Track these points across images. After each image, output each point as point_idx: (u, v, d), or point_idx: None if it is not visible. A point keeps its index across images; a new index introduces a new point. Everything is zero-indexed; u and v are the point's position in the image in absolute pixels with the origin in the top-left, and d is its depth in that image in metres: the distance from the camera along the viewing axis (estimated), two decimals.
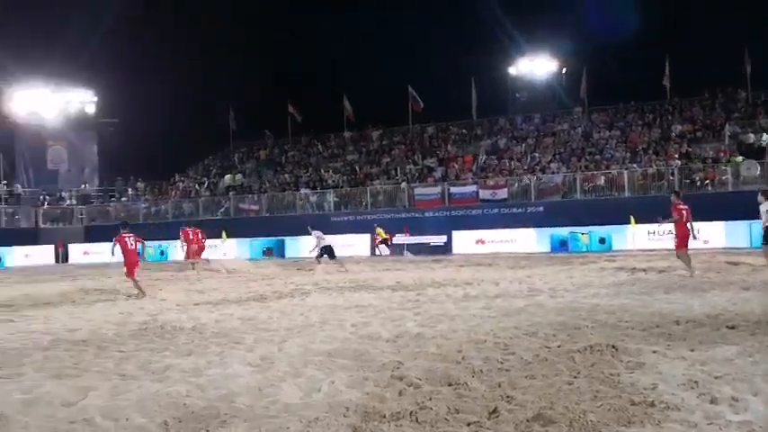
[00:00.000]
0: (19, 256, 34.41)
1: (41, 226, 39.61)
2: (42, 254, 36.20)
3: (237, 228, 34.42)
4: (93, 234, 39.00)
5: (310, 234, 23.43)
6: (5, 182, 41.30)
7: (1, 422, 5.21)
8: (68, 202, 43.58)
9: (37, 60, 43.77)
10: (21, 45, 43.14)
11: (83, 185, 45.97)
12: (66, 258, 36.48)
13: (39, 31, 44.82)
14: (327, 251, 22.40)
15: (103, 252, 35.38)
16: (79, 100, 47.22)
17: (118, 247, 16.06)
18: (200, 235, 24.64)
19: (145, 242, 18.11)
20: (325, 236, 22.95)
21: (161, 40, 49.73)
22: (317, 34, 51.95)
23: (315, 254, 22.56)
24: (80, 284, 19.57)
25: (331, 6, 54.14)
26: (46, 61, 44.08)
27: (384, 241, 31.06)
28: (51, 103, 45.93)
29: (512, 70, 43.94)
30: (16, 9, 45.04)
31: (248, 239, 33.84)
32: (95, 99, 47.81)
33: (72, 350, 8.35)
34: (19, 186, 43.34)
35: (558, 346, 7.38)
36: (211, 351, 7.97)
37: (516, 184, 32.19)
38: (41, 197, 42.99)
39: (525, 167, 34.13)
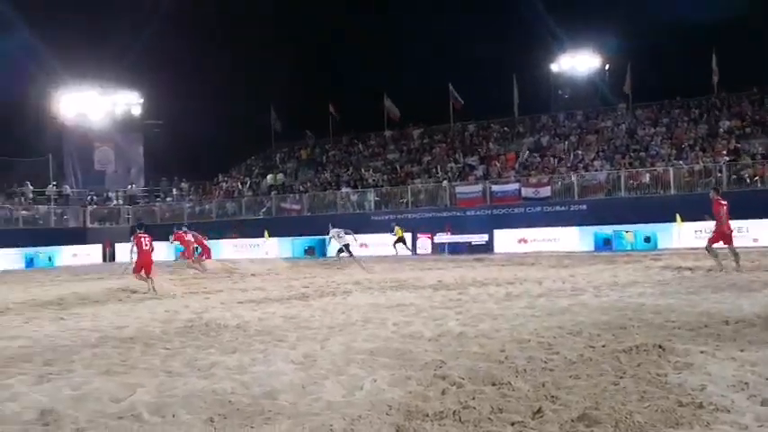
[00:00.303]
0: (67, 255, 35.22)
1: (89, 226, 40.49)
2: (90, 253, 37.01)
3: (279, 227, 34.74)
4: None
5: (329, 233, 23.93)
6: (55, 183, 42.30)
7: (52, 417, 5.35)
8: (115, 202, 44.48)
9: (85, 63, 44.86)
10: (69, 49, 44.12)
11: (129, 186, 46.87)
12: (113, 257, 37.22)
13: (86, 35, 45.71)
14: (346, 248, 23.18)
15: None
16: (125, 102, 48.17)
17: (135, 247, 16.75)
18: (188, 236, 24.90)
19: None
20: (344, 234, 23.44)
21: (204, 43, 50.52)
22: (358, 34, 52.01)
23: (341, 252, 23.43)
24: (126, 283, 19.95)
25: (372, 5, 54.25)
26: (93, 64, 45.16)
27: (400, 240, 30.94)
28: (98, 105, 46.95)
29: (554, 67, 43.46)
30: (64, 13, 46.10)
31: (290, 239, 34.11)
32: (141, 101, 48.74)
33: (120, 347, 8.53)
34: (68, 187, 44.37)
35: (603, 346, 7.29)
36: (255, 349, 8.06)
37: (559, 182, 31.81)
38: (89, 197, 43.96)
39: (568, 165, 33.74)
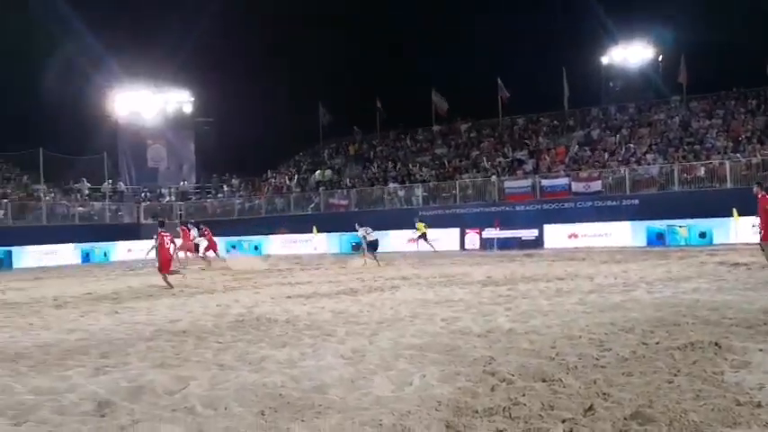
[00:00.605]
0: (122, 250, 36.00)
1: (143, 221, 41.37)
2: (143, 248, 37.71)
3: (327, 222, 34.94)
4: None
5: (356, 231, 24.13)
6: (110, 180, 43.33)
7: (109, 409, 5.49)
8: (168, 198, 45.36)
9: (138, 63, 45.88)
10: (123, 49, 45.20)
11: (181, 182, 47.73)
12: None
13: (139, 35, 46.76)
14: (372, 246, 23.37)
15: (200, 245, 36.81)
16: (177, 100, 49.10)
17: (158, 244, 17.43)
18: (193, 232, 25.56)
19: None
20: (372, 232, 23.66)
21: (253, 41, 51.07)
22: (405, 28, 51.99)
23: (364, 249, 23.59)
24: (179, 277, 20.34)
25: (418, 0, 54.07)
26: (146, 63, 46.16)
27: (423, 236, 30.78)
28: (151, 103, 47.96)
29: (605, 59, 42.72)
30: (119, 14, 47.19)
31: (338, 234, 34.28)
32: (192, 99, 49.64)
33: (173, 341, 8.70)
34: (122, 184, 45.41)
35: (657, 343, 7.15)
36: (305, 343, 8.14)
37: (610, 177, 31.25)
38: (143, 194, 44.93)
39: (620, 159, 33.11)
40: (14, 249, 30.93)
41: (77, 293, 16.22)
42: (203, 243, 25.71)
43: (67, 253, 33.04)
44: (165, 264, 17.50)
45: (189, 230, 26.02)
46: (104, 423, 5.14)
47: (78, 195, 41.30)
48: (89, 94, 46.97)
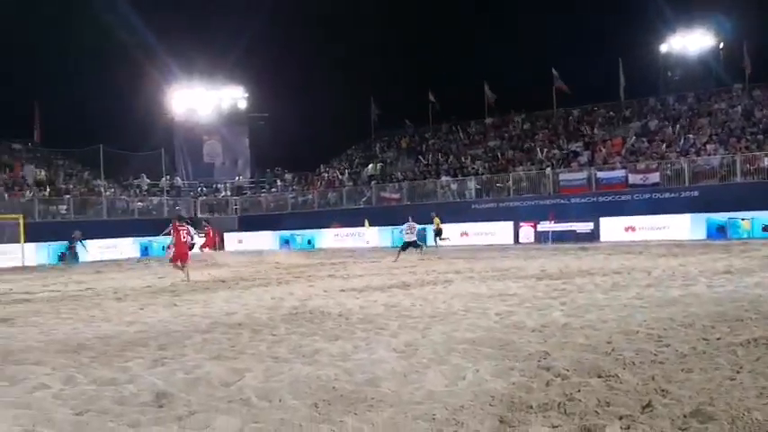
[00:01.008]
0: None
1: (199, 216, 42.17)
2: (200, 242, 38.48)
3: (379, 216, 35.01)
4: (246, 223, 41.13)
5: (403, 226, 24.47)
6: (167, 175, 44.26)
7: (167, 399, 5.60)
8: (223, 193, 46.12)
9: (194, 60, 46.83)
10: (179, 47, 46.15)
11: (236, 177, 48.47)
12: (222, 246, 38.64)
13: (195, 34, 47.70)
14: (407, 244, 23.71)
15: (257, 240, 37.43)
16: (231, 96, 49.85)
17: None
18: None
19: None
20: (409, 230, 24.05)
21: (305, 37, 51.51)
22: (457, 20, 51.67)
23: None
24: (235, 271, 20.69)
25: None
26: (202, 61, 47.08)
27: (439, 232, 30.63)
28: (206, 100, 48.82)
29: (663, 48, 41.65)
30: (175, 14, 48.09)
31: (389, 227, 34.33)
32: (246, 95, 50.33)
33: (229, 333, 8.84)
34: (179, 179, 46.36)
35: (718, 339, 6.96)
36: (357, 336, 8.16)
37: (669, 168, 30.51)
38: (199, 189, 45.79)
39: (678, 150, 32.29)
40: (78, 243, 31.78)
41: (137, 286, 16.63)
42: (199, 240, 25.87)
43: (127, 247, 33.90)
44: (182, 257, 17.84)
45: (211, 228, 26.47)
46: (162, 413, 5.24)
47: (137, 190, 42.32)
48: (147, 93, 48.20)
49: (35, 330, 9.78)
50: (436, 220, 30.53)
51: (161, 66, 45.57)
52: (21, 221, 30.42)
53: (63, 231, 31.82)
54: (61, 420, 5.09)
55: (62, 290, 16.54)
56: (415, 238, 23.86)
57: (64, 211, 35.48)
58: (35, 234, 30.80)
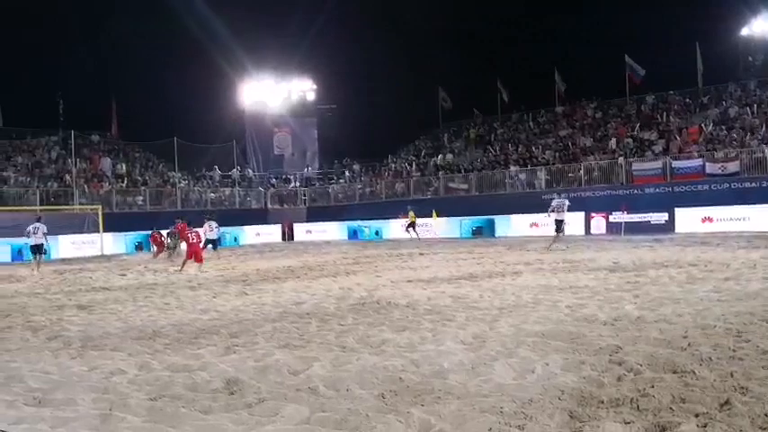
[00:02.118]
0: (250, 234, 37.50)
1: (269, 207, 42.89)
2: (270, 232, 39.22)
3: (447, 207, 34.85)
4: (314, 214, 41.61)
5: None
6: (238, 167, 45.11)
7: (237, 386, 5.72)
8: (293, 184, 46.76)
9: (263, 54, 47.58)
10: (250, 41, 46.93)
11: (305, 169, 49.05)
12: (291, 237, 39.20)
13: (264, 28, 48.48)
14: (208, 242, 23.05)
15: (326, 231, 37.82)
16: (300, 88, 50.43)
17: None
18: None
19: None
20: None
21: (372, 28, 51.58)
22: (527, 7, 50.79)
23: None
24: (303, 261, 20.97)
25: None
26: (271, 54, 47.80)
27: (412, 224, 30.47)
28: (276, 92, 49.51)
29: (744, 31, 39.94)
30: (245, 8, 48.93)
31: (458, 218, 34.14)
32: (315, 87, 50.82)
33: (298, 322, 8.96)
34: (250, 170, 47.22)
35: None
36: (424, 327, 8.15)
37: (749, 157, 29.29)
38: (269, 180, 46.55)
39: (759, 138, 30.96)
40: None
41: (209, 276, 17.04)
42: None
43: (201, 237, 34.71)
44: (196, 255, 18.55)
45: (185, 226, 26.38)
46: (233, 400, 5.36)
47: (210, 182, 43.32)
48: (219, 86, 49.24)
49: (113, 317, 10.15)
50: (411, 213, 30.39)
51: (232, 59, 46.47)
52: (100, 212, 31.55)
53: (139, 222, 32.87)
54: (136, 405, 5.26)
55: (139, 279, 17.09)
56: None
57: (140, 203, 36.64)
58: (113, 224, 31.91)
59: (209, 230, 23.41)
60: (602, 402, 4.86)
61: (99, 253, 29.84)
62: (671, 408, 4.68)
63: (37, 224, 21.34)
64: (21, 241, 27.33)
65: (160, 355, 7.18)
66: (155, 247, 27.01)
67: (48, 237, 21.67)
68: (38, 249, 21.14)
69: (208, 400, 5.40)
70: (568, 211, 22.51)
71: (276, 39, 48.16)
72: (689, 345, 6.50)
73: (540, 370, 5.83)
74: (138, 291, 13.99)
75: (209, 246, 23.15)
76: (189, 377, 6.08)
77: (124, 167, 40.28)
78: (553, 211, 22.19)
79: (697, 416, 4.51)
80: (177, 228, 24.04)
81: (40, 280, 17.72)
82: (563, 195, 25.51)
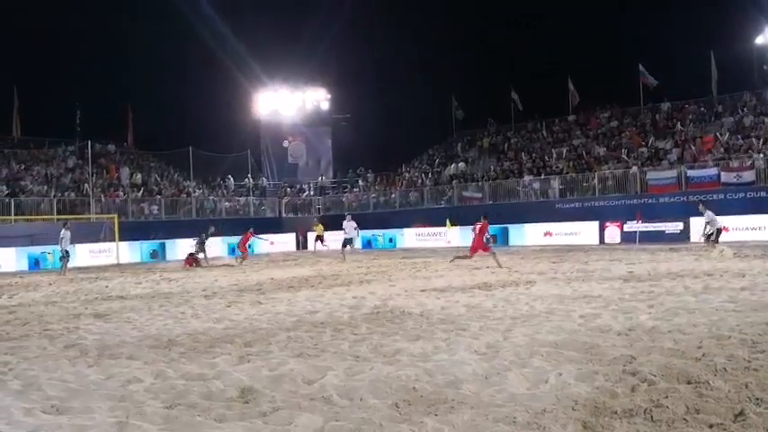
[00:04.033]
0: (265, 243, 37.57)
1: (284, 215, 43.03)
2: (285, 241, 39.29)
3: (461, 216, 34.80)
4: (329, 223, 41.70)
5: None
6: (249, 175, 45.22)
7: (251, 395, 5.76)
8: (307, 193, 46.91)
9: (278, 63, 47.92)
10: (265, 51, 47.31)
11: (319, 177, 49.20)
12: (305, 245, 39.25)
13: (279, 38, 48.79)
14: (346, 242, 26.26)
15: (338, 240, 37.87)
16: (314, 98, 50.67)
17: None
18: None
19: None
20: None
21: (386, 37, 51.80)
22: (538, 15, 50.78)
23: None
24: (318, 270, 21.03)
25: None
26: (285, 64, 48.16)
27: (319, 238, 30.65)
28: (290, 102, 49.78)
29: (759, 39, 39.73)
30: (260, 19, 49.34)
31: (471, 227, 34.03)
32: (329, 96, 51.05)
33: (312, 331, 8.99)
34: (264, 179, 47.44)
35: None
36: (438, 337, 8.16)
37: (765, 165, 29.08)
38: (284, 189, 46.72)
39: None
40: (167, 243, 32.99)
41: (224, 284, 17.13)
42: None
43: (215, 246, 34.86)
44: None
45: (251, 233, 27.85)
46: (247, 409, 5.40)
47: (225, 191, 43.54)
48: (234, 96, 49.56)
49: (129, 326, 10.23)
50: (319, 226, 30.87)
51: (247, 69, 46.83)
52: (116, 221, 31.81)
53: (153, 231, 33.13)
54: (152, 413, 5.31)
55: (154, 287, 17.20)
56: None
57: (156, 212, 36.90)
58: (128, 233, 32.15)
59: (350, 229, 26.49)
60: (616, 413, 4.86)
61: (115, 262, 30.06)
62: (685, 419, 4.67)
63: (63, 231, 23.43)
64: (37, 250, 27.72)
65: (175, 363, 7.23)
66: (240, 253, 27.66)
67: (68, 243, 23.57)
68: (66, 255, 23.24)
69: (222, 408, 5.44)
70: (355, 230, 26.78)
71: (291, 49, 48.56)
72: (703, 355, 6.48)
73: (554, 380, 5.83)
74: (153, 300, 14.08)
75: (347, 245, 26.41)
76: (204, 386, 6.13)
77: (140, 177, 40.59)
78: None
79: (711, 427, 4.50)
80: (248, 235, 27.20)
81: (57, 288, 17.89)
82: (348, 217, 27.43)
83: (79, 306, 13.35)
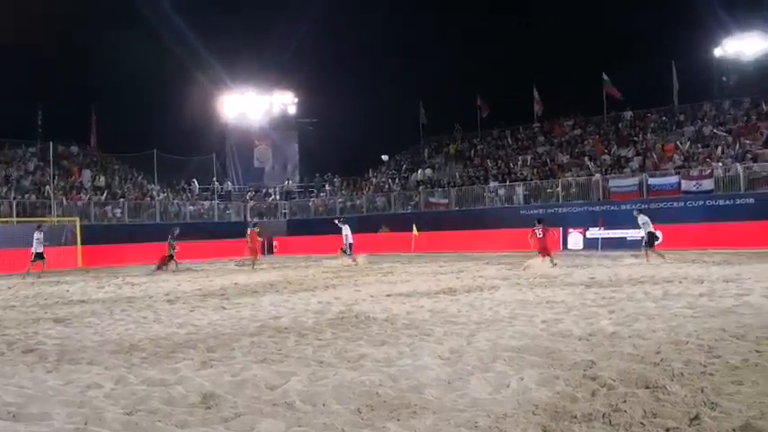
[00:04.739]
0: (230, 247, 37.25)
1: (249, 220, 42.70)
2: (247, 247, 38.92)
3: (427, 221, 34.95)
4: (295, 227, 41.55)
5: (340, 228, 26.40)
6: (214, 179, 44.78)
7: (213, 401, 5.73)
8: (273, 197, 46.65)
9: (244, 66, 47.57)
10: (231, 54, 46.99)
11: (286, 182, 48.97)
12: (271, 250, 39.00)
13: (246, 40, 48.40)
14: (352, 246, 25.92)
15: (304, 244, 37.71)
16: (281, 102, 50.41)
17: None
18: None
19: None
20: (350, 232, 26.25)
21: (354, 42, 51.84)
22: (504, 24, 51.25)
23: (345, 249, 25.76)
24: (283, 275, 20.94)
25: None
26: (252, 67, 47.79)
27: (170, 257, 26.96)
28: (257, 105, 49.47)
29: (717, 51, 40.65)
30: (226, 21, 49.02)
31: (438, 233, 34.21)
32: (296, 100, 50.85)
33: (276, 337, 8.97)
34: (229, 183, 47.07)
35: None
36: (402, 342, 8.20)
37: (723, 174, 29.73)
38: (249, 193, 46.40)
39: (733, 155, 31.45)
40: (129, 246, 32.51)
41: (188, 289, 16.96)
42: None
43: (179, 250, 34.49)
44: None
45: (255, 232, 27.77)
46: (209, 415, 5.37)
47: (189, 194, 43.11)
48: (200, 98, 48.96)
49: (90, 331, 10.09)
50: (253, 231, 28.68)
51: (213, 72, 46.44)
52: (78, 224, 31.29)
53: (115, 234, 32.69)
54: (112, 419, 5.25)
55: (116, 292, 16.97)
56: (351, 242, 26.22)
57: (119, 215, 36.38)
58: (91, 237, 31.64)
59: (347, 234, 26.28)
60: (575, 417, 4.94)
61: (78, 266, 29.56)
62: (642, 422, 4.77)
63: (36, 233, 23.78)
64: None
65: (137, 368, 7.16)
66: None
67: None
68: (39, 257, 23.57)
69: (184, 414, 5.40)
70: None
71: (258, 52, 48.15)
72: (661, 360, 6.61)
73: (516, 384, 5.90)
74: (115, 304, 13.90)
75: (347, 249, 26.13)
76: (165, 391, 6.08)
77: (103, 179, 39.99)
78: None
79: (667, 430, 4.61)
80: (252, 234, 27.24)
81: (16, 293, 17.55)
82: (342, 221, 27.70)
83: (39, 310, 13.12)
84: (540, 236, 21.03)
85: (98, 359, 7.74)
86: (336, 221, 27.86)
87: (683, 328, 8.35)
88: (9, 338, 9.51)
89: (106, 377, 6.72)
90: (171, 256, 25.46)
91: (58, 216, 33.00)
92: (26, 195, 34.52)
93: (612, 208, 30.99)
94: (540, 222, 21.68)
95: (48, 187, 35.55)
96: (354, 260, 25.07)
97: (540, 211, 32.80)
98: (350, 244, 26.28)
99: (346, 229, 26.48)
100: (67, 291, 17.58)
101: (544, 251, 20.71)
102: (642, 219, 22.57)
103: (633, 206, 25.49)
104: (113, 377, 6.71)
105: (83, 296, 15.94)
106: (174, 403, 5.73)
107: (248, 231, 28.93)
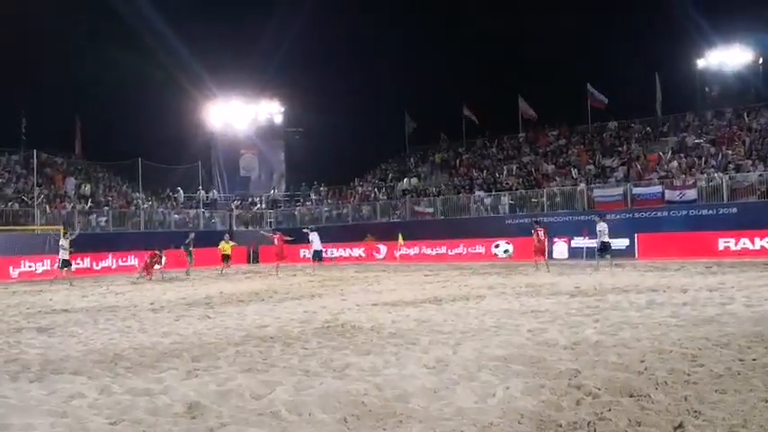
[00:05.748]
0: (215, 256, 37.09)
1: (235, 229, 42.53)
2: (235, 255, 38.80)
3: (413, 230, 34.99)
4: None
5: (308, 236, 27.05)
6: (200, 187, 44.57)
7: (198, 410, 5.70)
8: (258, 206, 46.53)
9: (231, 76, 47.60)
10: (218, 63, 46.98)
11: (271, 191, 48.89)
12: (256, 259, 38.85)
13: (233, 50, 48.44)
14: (317, 254, 26.74)
15: (289, 252, 37.58)
16: (268, 111, 50.42)
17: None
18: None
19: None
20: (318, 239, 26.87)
21: (339, 52, 52.03)
22: (489, 34, 51.57)
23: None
24: (269, 283, 20.88)
25: (505, 4, 53.48)
26: (239, 76, 47.83)
27: (226, 257, 29.17)
28: (243, 114, 49.43)
29: (700, 63, 41.11)
30: (213, 30, 48.96)
31: (423, 242, 34.29)
32: (282, 109, 50.88)
33: (261, 346, 8.93)
34: (215, 191, 46.92)
35: (754, 360, 6.86)
36: (388, 351, 8.20)
37: (706, 184, 30.01)
38: (234, 202, 46.26)
39: (715, 165, 31.76)
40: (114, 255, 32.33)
41: (173, 298, 16.87)
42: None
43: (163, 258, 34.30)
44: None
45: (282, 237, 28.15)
46: (195, 425, 5.34)
47: (174, 203, 42.91)
48: (186, 107, 48.90)
49: (74, 340, 10.01)
50: (226, 245, 29.49)
51: (200, 80, 46.39)
52: (61, 232, 31.04)
53: (100, 243, 32.45)
54: (95, 430, 5.22)
55: (100, 300, 16.85)
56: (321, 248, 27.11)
57: (103, 223, 36.12)
58: (75, 245, 31.38)
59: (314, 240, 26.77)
60: (561, 426, 4.96)
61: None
62: (626, 431, 4.80)
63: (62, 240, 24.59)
64: None
65: (121, 378, 7.11)
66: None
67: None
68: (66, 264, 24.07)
69: (169, 424, 5.37)
70: None
71: (244, 61, 48.24)
72: (646, 369, 6.65)
73: (501, 394, 5.91)
74: (99, 313, 13.80)
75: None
76: (150, 401, 6.04)
77: (88, 188, 39.72)
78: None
79: None
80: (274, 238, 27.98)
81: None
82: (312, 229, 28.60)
83: (21, 320, 13.00)
84: (542, 238, 21.82)
85: (82, 369, 7.67)
86: (305, 230, 28.36)
87: (667, 337, 8.41)
88: None
89: (90, 387, 6.67)
90: (189, 257, 26.92)
91: (41, 225, 32.72)
92: (9, 204, 34.20)
93: (597, 218, 31.12)
94: (538, 224, 21.93)
95: (30, 196, 35.26)
96: (313, 271, 25.50)
97: (526, 220, 32.93)
98: (315, 251, 26.69)
99: (314, 236, 26.86)
100: (50, 299, 17.43)
101: (541, 254, 21.30)
102: (600, 226, 23.20)
103: (604, 216, 25.64)
104: (97, 387, 6.66)
105: (66, 305, 15.81)
106: (159, 413, 5.69)
107: (222, 241, 29.38)
